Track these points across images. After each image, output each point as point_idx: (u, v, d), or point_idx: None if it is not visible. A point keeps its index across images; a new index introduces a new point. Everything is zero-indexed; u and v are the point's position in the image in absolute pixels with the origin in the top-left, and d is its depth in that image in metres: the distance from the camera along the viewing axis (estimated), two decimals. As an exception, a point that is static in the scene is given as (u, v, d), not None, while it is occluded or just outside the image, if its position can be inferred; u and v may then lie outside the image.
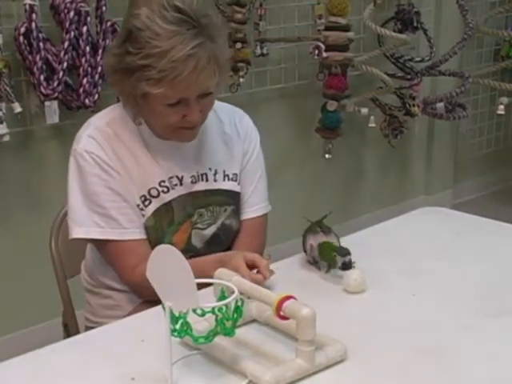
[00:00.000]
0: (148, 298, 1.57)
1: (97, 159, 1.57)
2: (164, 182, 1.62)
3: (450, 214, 2.04)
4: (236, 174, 1.71)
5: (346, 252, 1.47)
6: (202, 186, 1.66)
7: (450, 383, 1.20)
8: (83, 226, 1.59)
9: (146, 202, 1.61)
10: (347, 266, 1.45)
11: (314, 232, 1.58)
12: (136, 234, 1.60)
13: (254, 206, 1.75)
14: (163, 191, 1.62)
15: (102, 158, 1.57)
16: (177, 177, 1.63)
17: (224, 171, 1.69)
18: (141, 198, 1.60)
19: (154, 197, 1.61)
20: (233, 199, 1.71)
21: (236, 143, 1.72)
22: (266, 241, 1.79)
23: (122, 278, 1.64)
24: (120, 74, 1.53)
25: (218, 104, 1.70)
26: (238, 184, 1.72)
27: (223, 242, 1.70)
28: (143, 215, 1.61)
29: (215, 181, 1.68)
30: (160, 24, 1.45)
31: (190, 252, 1.62)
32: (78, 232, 1.59)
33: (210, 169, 1.67)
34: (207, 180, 1.67)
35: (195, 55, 1.45)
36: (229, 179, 1.70)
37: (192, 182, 1.65)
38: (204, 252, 1.65)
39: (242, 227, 1.74)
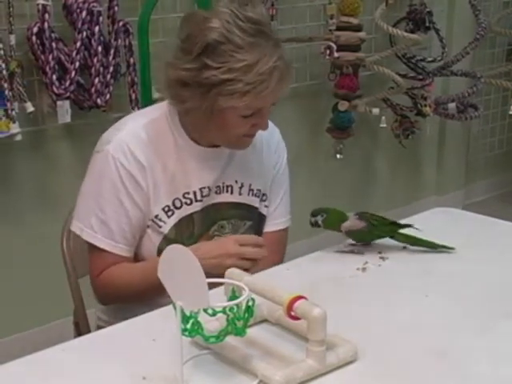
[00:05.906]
0: (108, 303, 1.65)
1: (119, 166, 1.55)
2: (188, 193, 1.60)
3: (461, 214, 2.03)
4: (260, 190, 1.70)
5: (316, 213, 1.68)
6: (226, 197, 1.65)
7: (462, 384, 1.20)
8: (80, 223, 1.60)
9: (169, 213, 1.59)
10: (313, 224, 1.68)
11: (356, 215, 1.67)
12: (124, 251, 1.59)
13: (278, 219, 1.76)
14: (186, 203, 1.60)
15: (126, 166, 1.55)
16: (203, 188, 1.62)
17: (250, 185, 1.68)
18: (164, 208, 1.59)
19: (177, 208, 1.60)
20: (252, 215, 1.70)
21: (266, 156, 1.72)
22: (285, 254, 1.78)
23: (91, 278, 1.65)
24: (193, 89, 1.48)
25: None
26: (260, 201, 1.71)
27: None
28: (160, 226, 1.59)
29: (240, 194, 1.67)
30: (241, 36, 1.44)
31: None
32: (74, 226, 1.61)
33: (236, 181, 1.66)
34: (232, 192, 1.66)
35: (279, 67, 1.47)
36: (253, 194, 1.69)
37: (216, 193, 1.64)
38: None
39: (264, 239, 1.73)
